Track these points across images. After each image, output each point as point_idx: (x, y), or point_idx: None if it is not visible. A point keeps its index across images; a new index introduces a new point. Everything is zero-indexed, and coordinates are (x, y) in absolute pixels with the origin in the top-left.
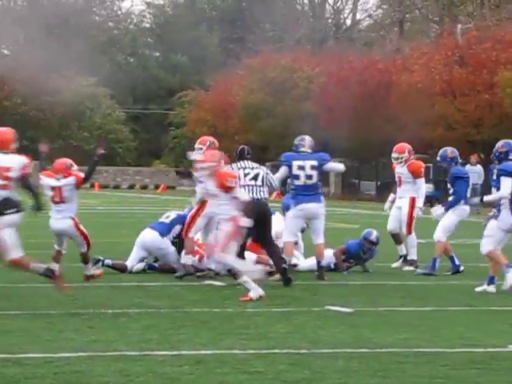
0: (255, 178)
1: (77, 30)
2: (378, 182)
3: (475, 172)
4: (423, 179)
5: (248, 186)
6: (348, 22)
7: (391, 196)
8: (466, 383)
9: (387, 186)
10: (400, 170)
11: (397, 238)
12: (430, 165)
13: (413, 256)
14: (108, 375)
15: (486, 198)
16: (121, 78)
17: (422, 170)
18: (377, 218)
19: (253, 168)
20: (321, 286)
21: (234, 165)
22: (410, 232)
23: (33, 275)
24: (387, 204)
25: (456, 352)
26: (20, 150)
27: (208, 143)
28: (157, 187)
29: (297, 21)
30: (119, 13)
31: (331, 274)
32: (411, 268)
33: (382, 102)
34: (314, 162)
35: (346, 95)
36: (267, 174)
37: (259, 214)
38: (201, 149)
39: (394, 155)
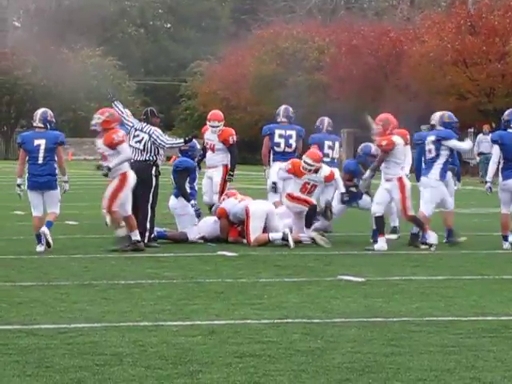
0: (140, 141)
1: (87, 2)
2: None
3: (487, 141)
4: (409, 146)
5: (131, 147)
6: None
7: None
8: (478, 352)
9: None
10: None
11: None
12: None
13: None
14: (122, 346)
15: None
16: (132, 49)
17: (408, 136)
18: None
19: (142, 130)
20: (333, 256)
21: (136, 124)
22: (406, 214)
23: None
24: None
25: (468, 320)
26: (31, 122)
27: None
28: (168, 159)
29: None
30: None
31: (343, 244)
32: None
33: (394, 72)
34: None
35: (357, 65)
36: (154, 138)
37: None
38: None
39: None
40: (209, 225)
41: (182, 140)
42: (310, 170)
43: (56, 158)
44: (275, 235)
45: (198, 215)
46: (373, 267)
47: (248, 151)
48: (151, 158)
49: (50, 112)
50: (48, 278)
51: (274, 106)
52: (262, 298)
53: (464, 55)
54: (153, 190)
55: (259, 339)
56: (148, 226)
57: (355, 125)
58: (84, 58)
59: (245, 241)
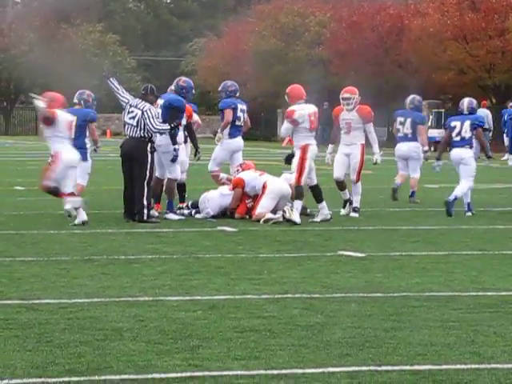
0: (133, 117)
1: None
2: (390, 128)
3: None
4: (371, 124)
5: (126, 123)
6: None
7: (330, 147)
8: (478, 327)
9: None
10: (349, 116)
11: (342, 185)
12: (442, 110)
13: (356, 204)
14: (122, 321)
15: None
16: (132, 24)
17: (372, 113)
18: (389, 164)
19: (136, 107)
20: (333, 231)
21: (132, 101)
22: (358, 180)
23: (46, 221)
24: (328, 156)
25: (468, 296)
26: (31, 98)
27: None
28: None
29: None
30: None
31: (343, 220)
32: (357, 215)
33: (394, 47)
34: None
35: (357, 40)
36: (144, 117)
37: (125, 151)
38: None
39: (344, 95)
40: (215, 199)
41: (168, 126)
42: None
43: (88, 133)
44: (272, 215)
45: (174, 160)
46: (373, 242)
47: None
48: (146, 135)
49: (87, 92)
50: (48, 254)
51: (274, 82)
52: (262, 273)
53: (464, 31)
54: (149, 166)
55: (259, 314)
56: (145, 202)
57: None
58: (84, 33)
59: (248, 217)
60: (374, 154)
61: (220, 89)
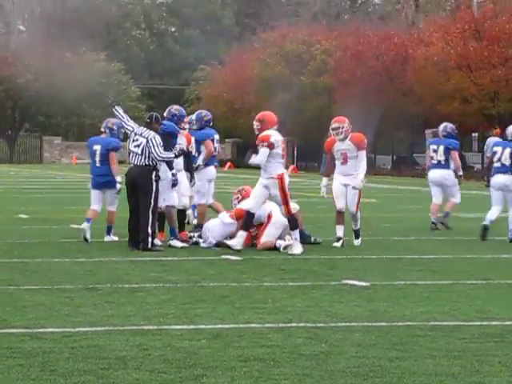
0: (138, 145)
1: (92, 5)
2: (394, 156)
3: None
4: (365, 151)
5: (130, 151)
6: None
7: (325, 180)
8: (483, 356)
9: (403, 160)
10: (344, 146)
11: (343, 217)
12: None
13: (357, 228)
14: (126, 349)
15: None
16: (136, 52)
17: (365, 140)
18: (393, 192)
19: (141, 135)
20: (337, 260)
21: (136, 129)
22: (357, 211)
23: (50, 250)
24: (323, 189)
25: (473, 325)
26: (35, 126)
27: None
28: None
29: None
30: None
31: (348, 249)
32: (359, 241)
33: (398, 76)
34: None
35: (362, 69)
36: (149, 145)
37: (129, 179)
38: None
39: (333, 125)
40: (216, 228)
41: (172, 154)
42: None
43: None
44: (282, 242)
45: (174, 185)
46: (377, 271)
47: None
48: (150, 163)
49: (112, 120)
50: (52, 282)
51: (278, 110)
52: (266, 302)
53: (468, 60)
54: (153, 194)
55: (263, 343)
56: (150, 231)
57: (359, 128)
58: (88, 62)
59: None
60: (357, 178)
61: (195, 118)
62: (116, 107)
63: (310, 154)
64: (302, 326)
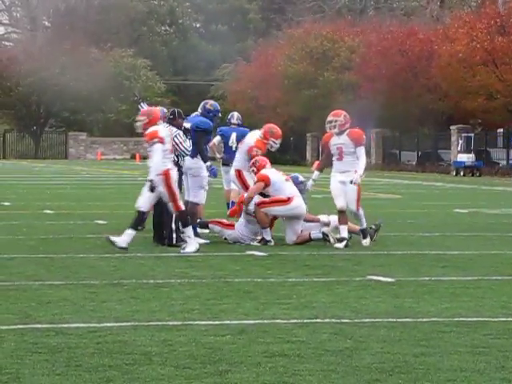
0: None
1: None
2: (419, 152)
3: None
4: (363, 148)
5: None
6: None
7: (315, 174)
8: (508, 352)
9: (428, 156)
10: (340, 141)
11: (345, 216)
12: (472, 134)
13: (363, 226)
14: (151, 345)
15: None
16: (161, 49)
17: (364, 137)
18: (418, 188)
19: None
20: (362, 256)
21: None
22: (358, 208)
23: (75, 245)
24: (311, 182)
25: (498, 321)
26: (60, 122)
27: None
28: None
29: None
30: None
31: (372, 245)
32: (368, 240)
33: (423, 72)
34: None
35: (386, 65)
36: (175, 142)
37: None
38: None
39: (328, 119)
40: (242, 227)
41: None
42: None
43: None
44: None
45: (215, 174)
46: (402, 267)
47: (278, 151)
48: (174, 160)
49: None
50: (77, 277)
51: (303, 107)
52: (291, 297)
53: (494, 55)
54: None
55: (288, 339)
56: (174, 226)
57: (384, 124)
58: (116, 57)
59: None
60: (355, 173)
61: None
62: (141, 103)
63: None
64: (327, 322)
